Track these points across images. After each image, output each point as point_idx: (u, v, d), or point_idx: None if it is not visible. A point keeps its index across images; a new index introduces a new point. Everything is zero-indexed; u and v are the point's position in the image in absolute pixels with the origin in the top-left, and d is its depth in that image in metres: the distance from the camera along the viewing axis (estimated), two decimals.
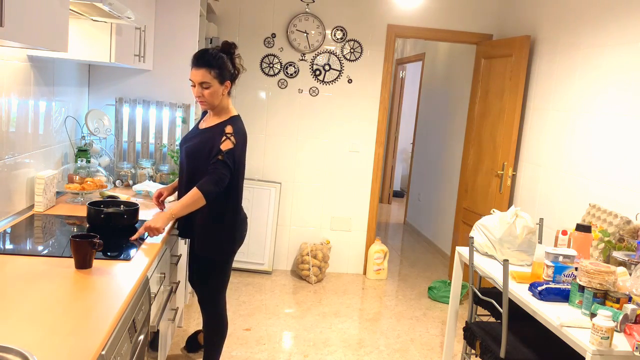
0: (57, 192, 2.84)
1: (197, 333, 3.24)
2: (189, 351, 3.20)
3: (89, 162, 3.13)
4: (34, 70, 2.59)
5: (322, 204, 4.88)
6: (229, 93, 2.60)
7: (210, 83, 2.46)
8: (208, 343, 2.83)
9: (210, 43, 4.18)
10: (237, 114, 2.63)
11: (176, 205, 2.39)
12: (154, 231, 2.28)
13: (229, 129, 2.51)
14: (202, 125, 2.65)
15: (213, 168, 2.43)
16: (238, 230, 2.69)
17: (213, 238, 2.62)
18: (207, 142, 2.52)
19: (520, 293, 2.35)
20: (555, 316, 2.10)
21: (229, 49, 2.56)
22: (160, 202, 2.74)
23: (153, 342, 2.27)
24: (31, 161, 2.62)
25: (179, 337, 3.40)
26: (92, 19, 2.55)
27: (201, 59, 2.46)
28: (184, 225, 2.67)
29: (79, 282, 1.74)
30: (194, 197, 2.39)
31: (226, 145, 2.46)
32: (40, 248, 2.05)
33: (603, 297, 2.12)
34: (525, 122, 4.22)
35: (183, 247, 3.25)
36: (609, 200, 3.18)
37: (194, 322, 3.67)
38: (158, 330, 2.36)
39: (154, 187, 3.12)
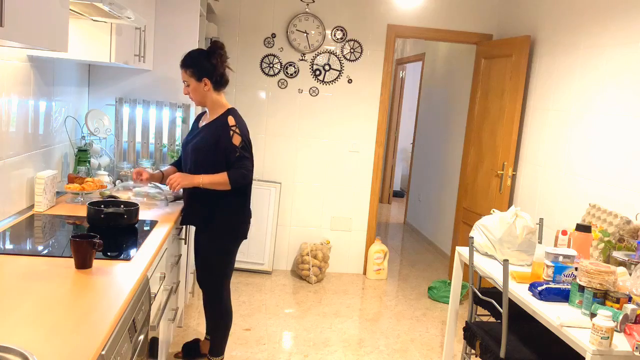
0: (57, 192, 2.84)
1: (195, 341, 3.21)
2: (184, 357, 3.17)
3: (89, 162, 3.13)
4: (34, 70, 2.59)
5: (322, 204, 4.88)
6: (217, 89, 2.78)
7: (188, 81, 2.73)
8: (214, 333, 2.98)
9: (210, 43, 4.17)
10: (231, 106, 2.83)
11: (204, 177, 2.67)
12: (177, 182, 2.64)
13: (231, 120, 2.73)
14: (202, 124, 2.85)
15: (239, 164, 2.69)
16: (244, 216, 2.88)
17: (228, 216, 2.80)
18: (211, 135, 2.73)
19: (520, 293, 2.35)
20: (555, 316, 2.10)
21: (213, 48, 2.76)
22: (140, 179, 2.86)
23: (153, 342, 2.27)
24: (31, 161, 2.62)
25: (179, 337, 3.40)
26: (92, 19, 2.55)
27: (181, 61, 2.75)
28: (188, 213, 2.86)
29: (79, 282, 1.74)
30: (222, 179, 2.67)
31: (237, 139, 2.70)
32: (40, 248, 2.05)
33: (603, 297, 2.12)
34: (525, 122, 4.22)
35: (183, 247, 3.25)
36: (609, 200, 3.18)
37: (194, 322, 3.67)
38: (158, 330, 2.36)
39: (153, 188, 3.12)
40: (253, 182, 4.56)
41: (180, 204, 2.97)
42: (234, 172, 2.68)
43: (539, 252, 2.49)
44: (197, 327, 3.59)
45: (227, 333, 3.01)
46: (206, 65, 2.71)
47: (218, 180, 2.67)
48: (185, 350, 3.16)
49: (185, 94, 2.78)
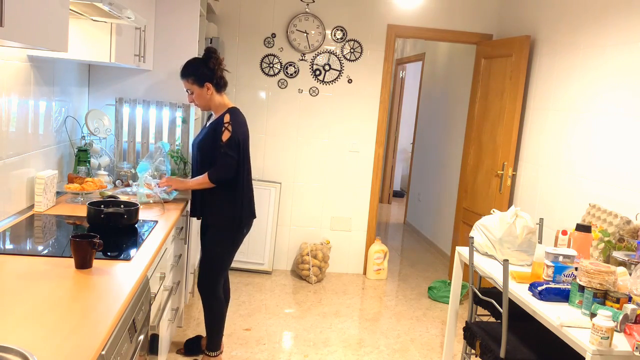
0: (57, 192, 2.84)
1: (197, 338, 3.24)
2: (186, 354, 3.20)
3: (89, 162, 3.13)
4: (34, 70, 2.59)
5: (322, 204, 4.88)
6: (219, 91, 2.92)
7: (191, 89, 2.88)
8: (209, 328, 3.05)
9: (210, 43, 4.18)
10: (233, 106, 2.95)
11: (192, 181, 2.90)
12: (169, 184, 2.91)
13: (226, 118, 2.86)
14: (208, 123, 3.02)
15: (220, 161, 2.82)
16: (242, 211, 2.93)
17: (220, 210, 2.91)
18: (211, 133, 2.88)
19: (520, 293, 2.35)
20: (555, 316, 2.10)
21: (208, 54, 2.89)
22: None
23: (153, 342, 2.27)
24: (31, 161, 2.62)
25: (179, 337, 3.40)
26: (92, 19, 2.55)
27: (181, 72, 2.89)
28: (195, 205, 2.99)
29: (79, 282, 1.74)
30: (204, 180, 2.84)
31: (225, 135, 2.82)
32: (40, 248, 2.05)
33: (603, 297, 2.12)
34: (525, 122, 4.22)
35: (183, 246, 3.25)
36: (609, 200, 3.18)
37: (194, 322, 3.67)
38: (158, 330, 2.36)
39: (152, 180, 3.09)
40: (253, 182, 4.61)
41: (179, 204, 2.98)
42: (214, 170, 2.83)
43: (539, 252, 2.49)
44: (197, 327, 3.59)
45: (223, 326, 3.07)
46: (205, 71, 2.85)
47: (202, 181, 2.85)
48: (187, 346, 3.21)
49: (190, 102, 2.92)
